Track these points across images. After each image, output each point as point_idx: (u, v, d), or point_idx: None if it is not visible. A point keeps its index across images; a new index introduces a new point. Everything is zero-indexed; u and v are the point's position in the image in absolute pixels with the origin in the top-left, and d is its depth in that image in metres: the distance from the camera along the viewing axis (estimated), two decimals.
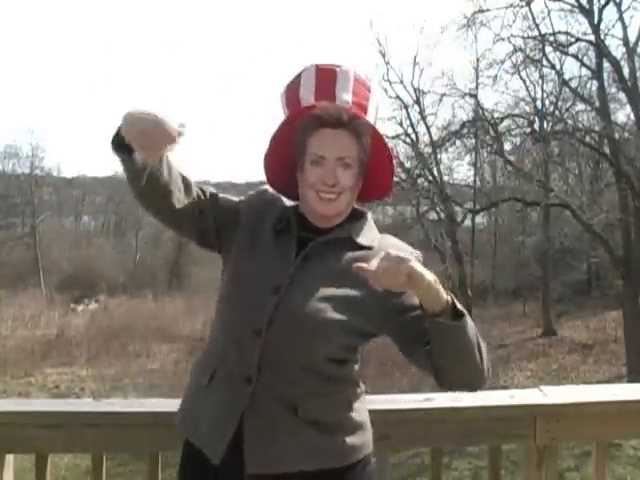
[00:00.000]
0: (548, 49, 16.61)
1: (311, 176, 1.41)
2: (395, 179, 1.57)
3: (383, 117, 18.49)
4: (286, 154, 1.46)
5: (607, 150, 15.72)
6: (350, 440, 1.43)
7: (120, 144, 1.33)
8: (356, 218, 1.50)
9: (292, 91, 1.48)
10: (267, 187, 1.56)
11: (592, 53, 16.20)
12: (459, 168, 24.78)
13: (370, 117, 1.47)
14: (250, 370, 1.38)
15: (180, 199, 1.45)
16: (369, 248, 1.44)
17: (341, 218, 1.47)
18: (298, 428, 1.38)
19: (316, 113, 1.40)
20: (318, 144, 1.40)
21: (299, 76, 1.48)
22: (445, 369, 1.35)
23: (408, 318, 1.38)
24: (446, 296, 1.28)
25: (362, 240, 1.46)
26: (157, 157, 1.36)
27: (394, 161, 1.50)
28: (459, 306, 1.30)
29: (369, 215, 1.54)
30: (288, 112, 1.49)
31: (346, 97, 1.44)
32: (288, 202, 1.55)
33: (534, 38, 16.36)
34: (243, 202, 1.55)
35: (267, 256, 1.45)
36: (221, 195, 1.55)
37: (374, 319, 1.40)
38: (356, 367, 1.49)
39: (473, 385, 1.41)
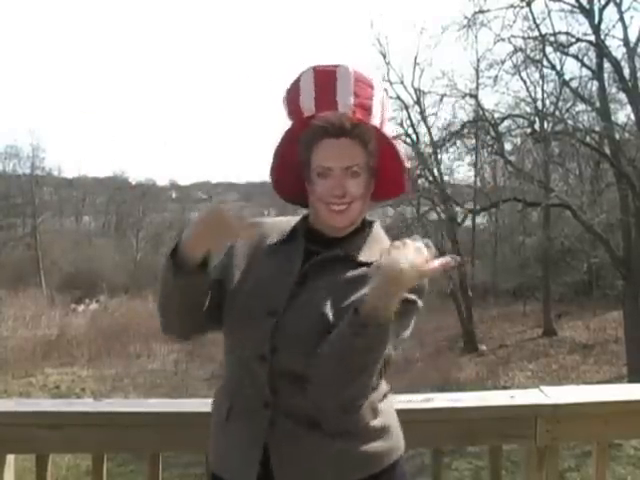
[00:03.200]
0: (548, 49, 16.65)
1: (319, 188, 1.38)
2: (404, 161, 1.51)
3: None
4: (292, 164, 1.42)
5: (607, 150, 15.71)
6: (378, 445, 1.39)
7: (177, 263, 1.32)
8: (363, 229, 1.46)
9: (293, 98, 1.44)
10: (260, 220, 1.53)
11: (592, 53, 16.21)
12: (459, 168, 24.73)
13: (375, 115, 1.42)
14: (264, 395, 1.36)
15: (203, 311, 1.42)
16: (368, 264, 1.37)
17: (354, 226, 1.44)
18: (323, 442, 1.36)
19: (317, 124, 1.36)
20: (323, 156, 1.37)
21: (298, 81, 1.44)
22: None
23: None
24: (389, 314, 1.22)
25: (362, 257, 1.41)
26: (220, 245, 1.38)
27: (403, 157, 1.43)
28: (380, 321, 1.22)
29: (376, 225, 1.49)
30: (291, 122, 1.45)
31: (348, 100, 1.39)
32: (289, 221, 1.51)
33: (534, 38, 16.36)
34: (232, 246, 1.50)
35: (265, 275, 1.42)
36: (215, 270, 1.46)
37: None
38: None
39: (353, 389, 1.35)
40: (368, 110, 1.41)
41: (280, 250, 1.45)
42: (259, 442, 1.36)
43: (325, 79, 1.41)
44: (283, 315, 1.36)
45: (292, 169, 1.44)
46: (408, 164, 1.44)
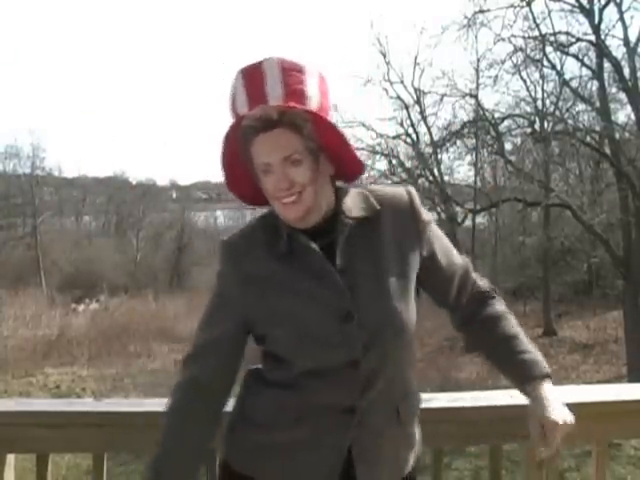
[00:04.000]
0: (549, 49, 16.63)
1: (267, 186, 1.34)
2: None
3: (384, 117, 18.54)
4: (243, 170, 1.39)
5: (608, 150, 15.71)
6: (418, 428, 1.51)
7: None
8: (344, 194, 1.43)
9: (231, 108, 1.39)
10: (226, 242, 1.45)
11: (592, 53, 16.19)
12: (460, 168, 24.67)
13: (311, 98, 1.34)
14: (353, 398, 1.35)
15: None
16: (373, 214, 1.40)
17: (319, 212, 1.38)
18: (401, 431, 1.44)
19: (245, 124, 1.32)
20: (259, 153, 1.32)
21: (232, 88, 1.38)
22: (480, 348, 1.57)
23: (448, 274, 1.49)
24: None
25: (367, 213, 1.41)
26: None
27: (342, 132, 1.36)
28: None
29: (342, 189, 1.44)
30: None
31: (276, 91, 1.32)
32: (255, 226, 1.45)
33: (535, 38, 16.35)
34: (226, 286, 1.43)
35: (302, 285, 1.36)
36: (225, 349, 1.42)
37: (417, 266, 1.44)
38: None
39: None
40: (300, 95, 1.33)
41: (295, 258, 1.38)
42: (343, 450, 1.36)
43: (252, 76, 1.35)
44: (359, 314, 1.33)
45: (245, 172, 1.40)
46: (350, 141, 1.37)
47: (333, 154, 1.38)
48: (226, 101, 1.40)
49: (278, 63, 1.34)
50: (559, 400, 1.43)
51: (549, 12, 16.14)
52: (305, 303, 1.35)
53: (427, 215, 1.47)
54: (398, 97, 18.45)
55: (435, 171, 17.84)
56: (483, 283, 1.56)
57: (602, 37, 15.41)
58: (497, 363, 1.54)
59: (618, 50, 15.73)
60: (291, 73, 1.34)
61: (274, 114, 1.30)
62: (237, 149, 1.36)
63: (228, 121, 1.38)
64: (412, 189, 1.49)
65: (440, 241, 1.48)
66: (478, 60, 18.08)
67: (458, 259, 1.52)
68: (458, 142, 18.15)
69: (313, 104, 1.34)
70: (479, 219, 23.16)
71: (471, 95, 17.66)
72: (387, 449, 1.40)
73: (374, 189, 1.47)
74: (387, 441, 1.40)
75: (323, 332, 1.33)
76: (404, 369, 1.44)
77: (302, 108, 1.31)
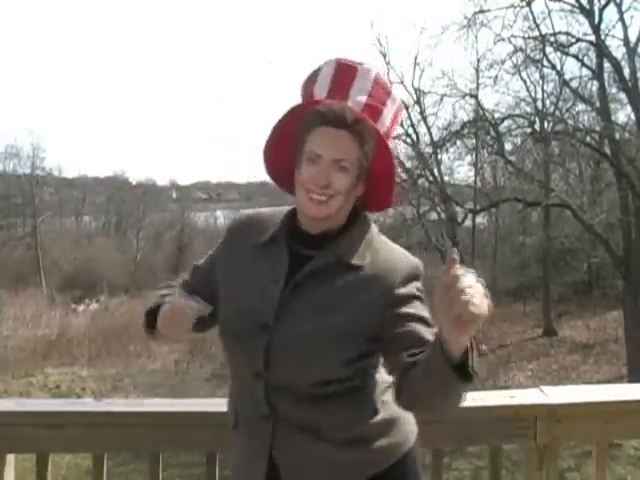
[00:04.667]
0: (549, 49, 16.63)
1: (304, 174, 1.34)
2: (396, 179, 1.52)
3: None
4: (287, 147, 1.39)
5: (608, 150, 15.70)
6: (382, 444, 1.39)
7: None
8: (351, 228, 1.41)
9: (308, 85, 1.42)
10: (242, 214, 1.55)
11: (592, 53, 16.19)
12: (460, 168, 24.66)
13: (383, 122, 1.39)
14: (263, 408, 1.37)
15: None
16: (363, 268, 1.36)
17: (331, 224, 1.39)
18: (329, 452, 1.35)
19: (319, 109, 1.32)
20: (317, 142, 1.32)
21: (319, 69, 1.41)
22: (416, 398, 1.27)
23: (401, 331, 1.30)
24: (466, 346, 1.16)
25: (354, 260, 1.37)
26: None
27: (396, 169, 1.41)
28: (474, 365, 1.18)
29: (372, 226, 1.44)
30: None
31: (360, 98, 1.36)
32: (274, 215, 1.49)
33: (535, 38, 16.35)
34: (217, 249, 1.53)
35: (252, 286, 1.39)
36: (197, 277, 1.55)
37: (368, 333, 1.33)
38: (376, 363, 1.40)
39: (434, 413, 1.43)
40: (377, 113, 1.38)
41: (264, 254, 1.42)
42: (264, 454, 1.37)
43: (344, 72, 1.38)
44: (274, 329, 1.34)
45: (287, 149, 1.39)
46: (395, 177, 1.43)
47: (373, 180, 1.40)
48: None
49: (374, 74, 1.39)
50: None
51: (549, 12, 16.17)
52: (239, 299, 1.39)
53: (409, 292, 1.35)
54: None
55: (435, 171, 17.83)
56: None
57: (602, 37, 15.41)
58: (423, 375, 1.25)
59: (618, 50, 15.77)
60: (380, 89, 1.39)
61: (350, 116, 1.32)
62: (291, 127, 1.37)
63: (295, 96, 1.43)
64: (419, 267, 1.40)
65: (407, 315, 1.33)
66: (478, 60, 18.11)
67: (421, 336, 1.30)
68: (458, 142, 18.17)
69: (382, 127, 1.37)
70: (479, 219, 23.15)
71: (471, 95, 17.67)
72: (308, 464, 1.36)
73: (383, 246, 1.42)
74: (307, 457, 1.36)
75: (239, 331, 1.38)
76: (330, 393, 1.35)
77: (376, 126, 1.35)
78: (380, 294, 1.33)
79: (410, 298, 1.34)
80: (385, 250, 1.41)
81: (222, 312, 1.41)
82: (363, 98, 1.36)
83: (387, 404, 1.41)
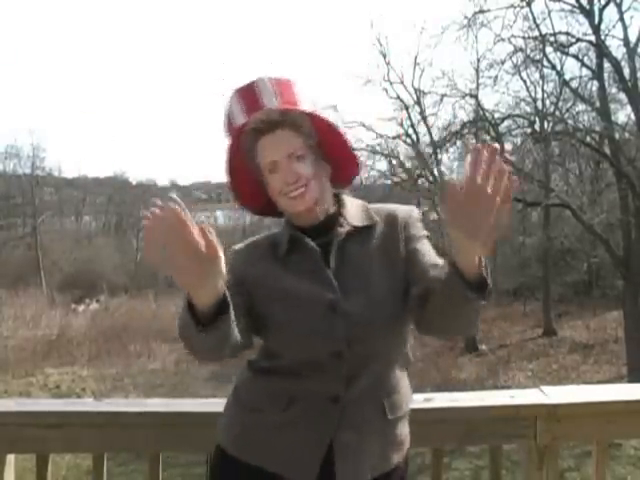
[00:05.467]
0: (548, 49, 16.63)
1: (274, 184, 1.42)
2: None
3: (384, 117, 18.54)
4: (248, 177, 1.48)
5: (607, 150, 15.69)
6: (407, 428, 1.50)
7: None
8: (346, 200, 1.51)
9: (229, 125, 1.48)
10: (235, 247, 1.53)
11: (592, 53, 16.20)
12: (460, 168, 24.69)
13: (304, 103, 1.46)
14: (337, 389, 1.38)
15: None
16: (373, 225, 1.47)
17: (325, 207, 1.47)
18: (387, 429, 1.43)
19: (249, 127, 1.41)
20: (264, 153, 1.41)
21: (227, 109, 1.48)
22: (436, 322, 1.32)
23: (417, 261, 1.42)
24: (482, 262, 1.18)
25: (366, 222, 1.47)
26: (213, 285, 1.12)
27: (341, 130, 1.46)
28: (488, 279, 1.19)
29: (344, 197, 1.53)
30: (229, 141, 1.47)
31: (273, 101, 1.43)
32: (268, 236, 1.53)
33: (535, 38, 16.35)
34: (231, 272, 1.36)
35: (297, 281, 1.41)
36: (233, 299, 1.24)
37: (401, 273, 1.43)
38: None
39: (458, 335, 1.49)
40: (294, 102, 1.45)
41: (292, 259, 1.45)
42: (326, 439, 1.38)
43: (247, 92, 1.46)
44: (344, 306, 1.37)
45: (249, 182, 1.48)
46: (348, 138, 1.47)
47: (330, 154, 1.48)
48: (222, 116, 1.50)
49: (269, 79, 1.46)
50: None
51: (549, 12, 16.16)
52: (293, 297, 1.40)
53: (416, 230, 1.49)
54: (398, 97, 18.46)
55: (435, 171, 17.84)
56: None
57: (602, 37, 15.41)
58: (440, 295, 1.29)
59: (618, 50, 15.77)
60: (283, 86, 1.46)
61: (276, 115, 1.40)
62: (243, 160, 1.45)
63: (225, 140, 1.47)
64: (414, 208, 1.54)
65: (419, 248, 1.46)
66: (478, 60, 18.12)
67: (432, 261, 1.43)
68: (458, 142, 18.18)
69: (306, 107, 1.45)
70: None
71: (471, 95, 17.67)
72: (369, 443, 1.40)
73: (376, 205, 1.54)
74: (370, 435, 1.41)
75: (307, 322, 1.38)
76: (391, 366, 1.45)
77: (301, 109, 1.43)
78: (396, 238, 1.46)
79: (419, 237, 1.48)
80: (381, 207, 1.53)
81: (277, 317, 1.40)
82: (275, 100, 1.44)
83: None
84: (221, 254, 1.07)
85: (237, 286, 1.39)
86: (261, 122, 1.40)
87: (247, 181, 1.49)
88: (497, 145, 1.08)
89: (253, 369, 1.50)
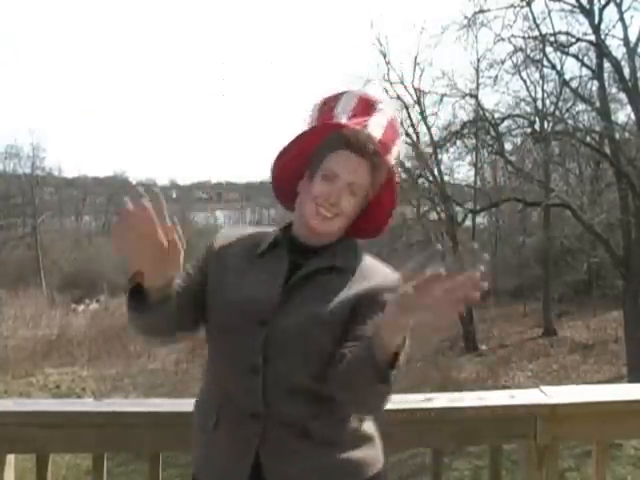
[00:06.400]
0: (549, 49, 16.64)
1: (318, 188, 1.42)
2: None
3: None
4: (297, 158, 1.47)
5: (608, 150, 15.70)
6: (364, 454, 1.43)
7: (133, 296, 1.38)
8: (345, 240, 1.49)
9: (328, 106, 1.50)
10: (225, 230, 1.55)
11: (592, 53, 16.20)
12: (460, 168, 24.65)
13: (392, 157, 1.50)
14: (256, 406, 1.37)
15: (179, 321, 1.42)
16: (351, 272, 1.44)
17: (328, 239, 1.46)
18: (315, 452, 1.38)
19: (346, 134, 1.42)
20: (337, 162, 1.41)
21: (340, 95, 1.51)
22: (342, 389, 1.32)
23: (355, 329, 1.36)
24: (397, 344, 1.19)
25: (344, 264, 1.45)
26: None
27: (395, 204, 1.51)
28: (400, 361, 1.21)
29: (358, 241, 1.53)
30: (318, 122, 1.49)
31: (375, 132, 1.46)
32: (266, 232, 1.52)
33: (535, 38, 16.36)
34: (208, 248, 1.51)
35: (251, 284, 1.42)
36: (189, 272, 1.47)
37: (342, 325, 1.38)
38: None
39: (359, 408, 1.41)
40: (387, 150, 1.48)
41: (264, 260, 1.46)
42: (250, 453, 1.37)
43: (366, 105, 1.49)
44: (273, 324, 1.37)
45: (295, 160, 1.47)
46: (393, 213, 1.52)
47: (369, 209, 1.49)
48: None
49: (390, 114, 1.51)
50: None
51: (549, 12, 16.18)
52: (236, 297, 1.40)
53: (380, 300, 1.36)
54: (398, 97, 18.45)
55: (435, 171, 17.85)
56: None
57: (602, 37, 15.42)
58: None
59: (618, 50, 15.77)
60: (392, 130, 1.50)
61: (372, 146, 1.42)
62: (307, 142, 1.45)
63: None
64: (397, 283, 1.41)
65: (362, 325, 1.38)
66: (478, 60, 18.14)
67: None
68: (458, 142, 18.17)
69: (391, 162, 1.48)
70: (479, 219, 23.18)
71: (471, 95, 17.68)
72: (296, 465, 1.37)
73: (368, 257, 1.50)
74: (296, 457, 1.37)
75: (236, 327, 1.39)
76: (320, 392, 1.37)
77: (389, 163, 1.46)
78: (356, 292, 1.41)
79: (377, 305, 1.34)
80: (370, 261, 1.49)
81: (218, 304, 1.43)
82: (378, 133, 1.46)
83: (368, 420, 1.47)
84: (180, 251, 1.21)
85: (202, 264, 1.48)
86: (357, 141, 1.41)
87: (293, 155, 1.47)
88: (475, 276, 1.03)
89: (201, 389, 1.53)
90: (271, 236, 1.49)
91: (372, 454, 1.45)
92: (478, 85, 18.07)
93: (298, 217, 1.49)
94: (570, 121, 16.63)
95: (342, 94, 1.51)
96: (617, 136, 15.45)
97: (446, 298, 1.04)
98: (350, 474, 1.41)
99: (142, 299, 1.34)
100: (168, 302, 1.32)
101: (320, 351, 1.36)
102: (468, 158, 20.29)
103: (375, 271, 1.46)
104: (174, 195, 40.94)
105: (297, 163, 1.47)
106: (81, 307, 24.68)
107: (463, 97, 17.72)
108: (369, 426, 1.47)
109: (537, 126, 17.20)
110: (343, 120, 1.46)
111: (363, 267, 1.46)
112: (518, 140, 18.40)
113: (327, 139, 1.43)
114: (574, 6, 15.90)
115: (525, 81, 18.53)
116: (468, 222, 21.02)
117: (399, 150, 1.55)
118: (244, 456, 1.37)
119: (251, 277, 1.44)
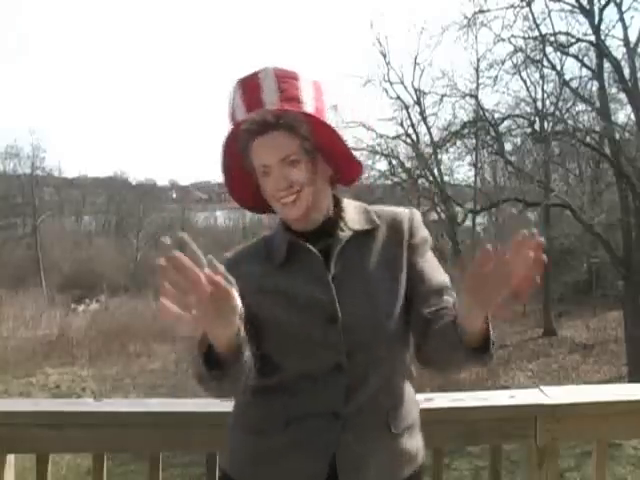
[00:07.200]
0: (549, 49, 16.62)
1: (266, 187, 1.38)
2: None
3: (384, 117, 18.54)
4: (247, 174, 1.42)
5: (608, 150, 15.70)
6: (418, 440, 1.47)
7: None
8: (345, 203, 1.47)
9: (230, 117, 1.42)
10: (227, 255, 1.47)
11: (592, 53, 16.19)
12: (460, 168, 24.69)
13: (306, 102, 1.38)
14: (337, 404, 1.34)
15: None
16: (375, 228, 1.44)
17: (320, 212, 1.42)
18: (393, 442, 1.39)
19: (243, 128, 1.35)
20: (257, 156, 1.36)
21: (231, 97, 1.43)
22: (434, 363, 1.39)
23: (420, 280, 1.41)
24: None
25: (367, 225, 1.44)
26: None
27: (341, 134, 1.40)
28: (492, 339, 1.22)
29: (344, 199, 1.49)
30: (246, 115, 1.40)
31: (272, 98, 1.37)
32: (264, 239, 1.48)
33: (535, 38, 16.35)
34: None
35: (297, 290, 1.37)
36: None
37: (402, 280, 1.42)
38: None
39: (448, 375, 1.51)
40: (296, 100, 1.37)
41: (290, 263, 1.40)
42: (327, 455, 1.34)
43: (249, 85, 1.39)
44: (344, 320, 1.34)
45: (246, 179, 1.43)
46: (347, 140, 1.43)
47: (330, 156, 1.41)
48: (225, 107, 1.44)
49: (273, 72, 1.39)
50: None
51: (549, 12, 16.15)
52: (293, 306, 1.36)
53: (422, 237, 1.47)
54: (398, 97, 18.45)
55: (435, 171, 17.83)
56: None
57: (602, 37, 15.41)
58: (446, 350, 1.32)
59: (618, 50, 15.75)
60: (286, 80, 1.39)
61: (270, 117, 1.33)
62: (238, 157, 1.40)
63: (227, 129, 1.41)
64: (416, 211, 1.51)
65: (425, 262, 1.46)
66: (478, 60, 18.12)
67: (439, 281, 1.44)
68: (458, 142, 18.16)
69: (308, 107, 1.38)
70: (479, 219, 23.16)
71: (471, 95, 17.68)
72: (374, 458, 1.36)
73: (376, 207, 1.50)
74: (375, 451, 1.36)
75: (307, 333, 1.35)
76: (393, 378, 1.41)
77: (296, 110, 1.35)
78: (400, 245, 1.44)
79: (423, 250, 1.46)
80: (383, 210, 1.49)
81: (279, 320, 1.36)
82: (275, 96, 1.37)
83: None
84: (231, 291, 1.04)
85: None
86: (255, 123, 1.33)
87: (244, 178, 1.44)
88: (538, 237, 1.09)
89: (250, 390, 1.39)
90: (277, 239, 1.44)
91: (421, 440, 1.48)
92: (478, 85, 18.07)
93: (282, 219, 1.45)
94: (570, 121, 16.62)
95: (231, 95, 1.42)
96: (617, 136, 15.44)
97: (510, 265, 1.10)
98: (414, 459, 1.44)
99: (215, 365, 1.16)
100: (243, 355, 1.19)
101: (394, 337, 1.37)
102: (468, 158, 20.29)
103: (390, 213, 1.47)
104: (174, 195, 40.94)
105: (245, 180, 1.43)
106: (81, 307, 24.68)
107: (463, 97, 17.73)
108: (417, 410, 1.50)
109: (537, 126, 17.20)
110: (242, 116, 1.36)
111: (383, 217, 1.46)
112: (518, 140, 18.42)
113: (240, 146, 1.38)
114: (574, 6, 15.90)
115: (525, 81, 18.54)
116: (468, 222, 21.01)
117: (309, 84, 1.42)
118: (322, 455, 1.34)
119: (295, 282, 1.38)
